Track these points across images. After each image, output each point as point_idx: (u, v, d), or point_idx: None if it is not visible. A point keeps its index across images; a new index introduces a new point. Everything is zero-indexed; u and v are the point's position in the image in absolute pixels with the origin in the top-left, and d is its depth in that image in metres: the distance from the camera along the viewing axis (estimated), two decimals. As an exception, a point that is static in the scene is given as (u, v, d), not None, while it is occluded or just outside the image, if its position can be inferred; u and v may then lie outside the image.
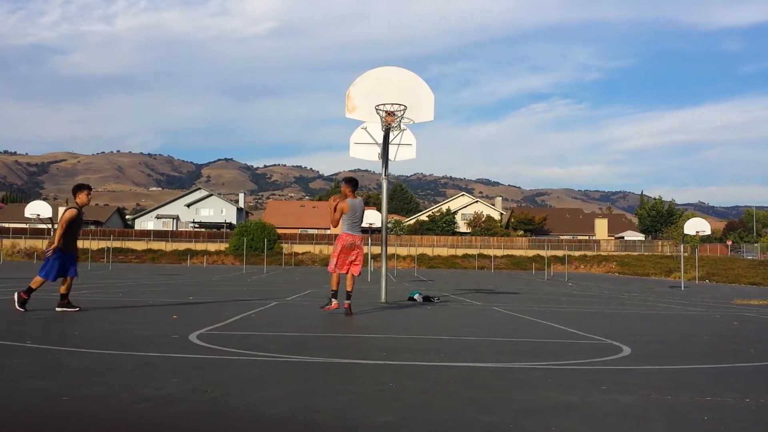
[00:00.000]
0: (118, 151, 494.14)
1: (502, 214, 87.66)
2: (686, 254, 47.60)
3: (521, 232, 78.34)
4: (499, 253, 64.81)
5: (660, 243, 68.97)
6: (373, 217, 24.74)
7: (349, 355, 5.28)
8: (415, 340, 6.50)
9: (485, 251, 64.91)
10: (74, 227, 8.73)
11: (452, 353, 5.60)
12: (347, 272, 9.13)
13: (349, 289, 9.08)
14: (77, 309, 8.59)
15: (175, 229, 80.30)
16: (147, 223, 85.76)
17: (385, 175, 12.58)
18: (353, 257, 9.13)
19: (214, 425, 2.98)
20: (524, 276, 38.22)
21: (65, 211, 8.81)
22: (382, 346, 5.90)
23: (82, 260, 48.66)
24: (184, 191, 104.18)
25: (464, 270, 53.89)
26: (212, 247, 64.45)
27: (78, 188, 9.00)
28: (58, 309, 8.51)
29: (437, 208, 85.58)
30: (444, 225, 77.43)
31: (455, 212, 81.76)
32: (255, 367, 4.57)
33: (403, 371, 4.67)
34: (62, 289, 8.66)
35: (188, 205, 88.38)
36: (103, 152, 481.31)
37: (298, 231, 73.23)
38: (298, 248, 64.50)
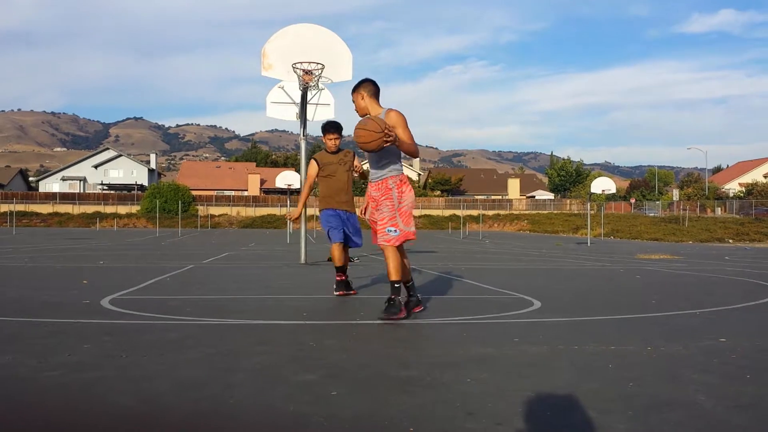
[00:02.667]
0: (19, 109, 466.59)
1: (419, 174, 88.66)
2: (593, 212, 49.68)
3: (438, 193, 79.59)
4: (416, 213, 65.61)
5: (568, 202, 71.63)
6: (292, 178, 24.53)
7: (268, 317, 5.27)
8: (334, 299, 6.54)
9: (403, 211, 65.53)
10: None
11: (371, 312, 5.68)
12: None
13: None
14: None
15: (82, 191, 77.01)
16: (52, 185, 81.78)
17: (303, 136, 12.44)
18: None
19: (130, 389, 2.92)
20: (441, 235, 38.95)
21: None
22: (302, 307, 5.91)
23: (-19, 225, 45.47)
24: (91, 152, 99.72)
25: (382, 230, 54.28)
26: (123, 209, 62.25)
27: None
28: None
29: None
30: (363, 186, 77.56)
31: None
32: (172, 330, 4.49)
33: (323, 331, 4.70)
34: None
35: (96, 167, 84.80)
36: (2, 111, 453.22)
37: (214, 193, 71.64)
38: (215, 210, 63.19)
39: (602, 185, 27.79)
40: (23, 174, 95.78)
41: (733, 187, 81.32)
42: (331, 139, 6.90)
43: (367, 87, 5.31)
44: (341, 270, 6.78)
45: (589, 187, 30.56)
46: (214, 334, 4.49)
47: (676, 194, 75.62)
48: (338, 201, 6.81)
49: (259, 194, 73.73)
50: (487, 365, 3.52)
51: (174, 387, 3.00)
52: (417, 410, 2.65)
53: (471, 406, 2.72)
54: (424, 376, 3.24)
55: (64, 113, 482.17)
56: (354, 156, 7.05)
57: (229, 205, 64.85)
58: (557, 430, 2.47)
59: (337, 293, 6.71)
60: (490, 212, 65.79)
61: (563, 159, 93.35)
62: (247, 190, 77.99)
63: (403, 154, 5.20)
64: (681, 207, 59.93)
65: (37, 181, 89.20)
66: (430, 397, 2.86)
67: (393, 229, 5.10)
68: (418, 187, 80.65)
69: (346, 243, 6.85)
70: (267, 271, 10.30)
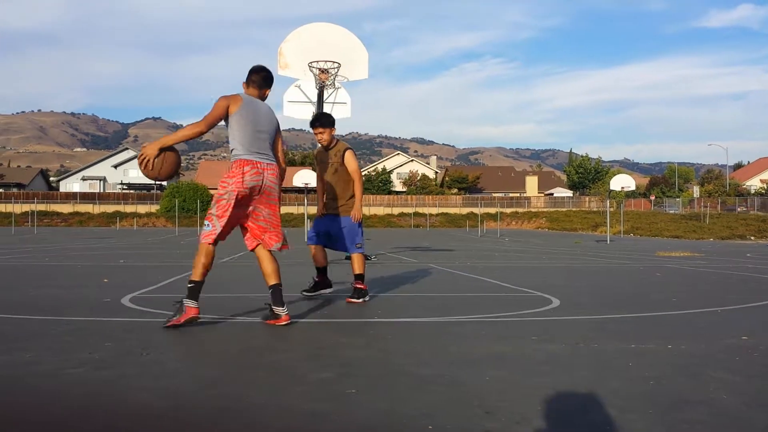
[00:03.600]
0: (40, 110, 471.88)
1: (436, 172, 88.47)
2: (612, 209, 49.31)
3: (455, 191, 79.40)
4: (434, 211, 65.55)
5: (587, 199, 71.15)
6: (309, 177, 24.61)
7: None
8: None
9: (421, 209, 65.51)
10: None
11: (388, 310, 5.68)
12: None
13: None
14: None
15: (102, 191, 77.77)
16: (72, 185, 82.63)
17: (319, 134, 12.45)
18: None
19: (150, 386, 2.95)
20: (458, 233, 38.87)
21: None
22: (320, 305, 5.92)
23: (4, 224, 46.45)
24: (111, 152, 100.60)
25: (400, 228, 54.34)
26: (142, 209, 62.76)
27: None
28: None
29: (373, 168, 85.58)
30: (380, 184, 77.62)
31: (391, 171, 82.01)
32: (191, 329, 4.52)
33: (341, 329, 4.71)
34: None
35: (115, 166, 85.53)
36: (23, 111, 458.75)
37: (232, 192, 71.94)
38: (232, 209, 63.45)
39: (621, 182, 27.56)
40: (44, 174, 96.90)
41: (754, 183, 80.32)
42: (317, 134, 6.15)
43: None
44: (319, 271, 6.38)
45: (608, 184, 30.34)
46: (233, 332, 4.52)
47: (696, 191, 74.83)
48: (328, 206, 6.23)
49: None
50: (506, 363, 3.51)
51: (193, 384, 3.02)
52: (435, 408, 2.64)
53: (489, 404, 2.71)
54: (441, 374, 3.23)
55: (83, 114, 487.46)
56: (345, 152, 6.20)
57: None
58: (577, 429, 2.45)
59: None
60: (508, 210, 65.53)
61: (582, 156, 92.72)
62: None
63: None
64: (701, 204, 59.28)
65: (58, 181, 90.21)
66: (447, 395, 2.86)
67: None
68: (436, 185, 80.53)
69: (329, 245, 6.35)
70: (284, 269, 10.32)
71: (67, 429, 2.44)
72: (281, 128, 5.09)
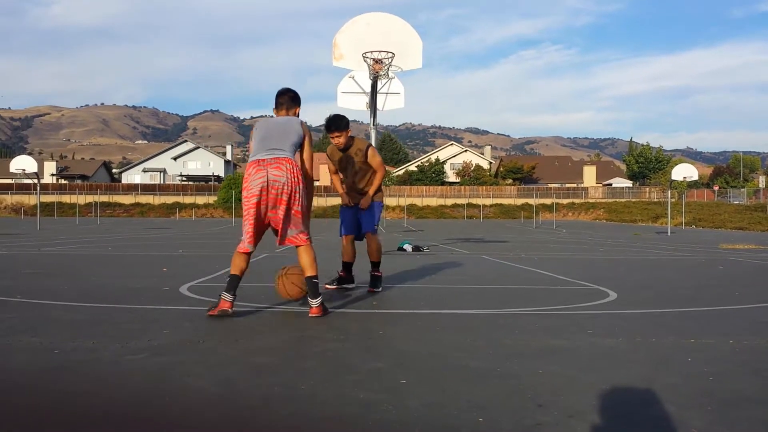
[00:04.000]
0: (102, 103, 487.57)
1: (491, 163, 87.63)
2: (673, 200, 47.95)
3: (510, 181, 78.48)
4: (488, 202, 64.98)
5: (648, 189, 69.34)
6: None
7: (339, 305, 5.33)
8: (406, 289, 6.56)
9: (474, 200, 65.06)
10: None
11: (441, 301, 5.66)
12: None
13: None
14: None
15: (162, 182, 79.80)
16: (134, 176, 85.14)
17: (373, 125, 12.49)
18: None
19: (206, 373, 3.02)
20: (513, 224, 38.46)
21: None
22: (371, 296, 5.95)
23: (69, 215, 48.03)
24: (171, 144, 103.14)
25: (453, 220, 54.12)
26: (201, 200, 64.19)
27: None
28: None
29: (426, 158, 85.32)
30: (433, 175, 77.35)
31: (444, 162, 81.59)
32: (246, 317, 4.61)
33: (394, 320, 4.72)
34: None
35: (175, 158, 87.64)
36: (86, 105, 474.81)
37: (287, 183, 72.83)
38: (287, 200, 64.22)
39: (683, 172, 26.77)
40: (107, 166, 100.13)
41: (826, 173, 76.91)
42: (334, 137, 6.04)
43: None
44: (344, 266, 6.38)
45: (670, 174, 29.50)
46: (287, 321, 4.58)
47: (762, 181, 72.09)
48: (354, 198, 6.26)
49: (330, 184, 74.50)
50: (560, 357, 3.45)
51: (248, 372, 3.08)
52: (486, 401, 2.62)
53: (542, 398, 2.67)
54: (494, 367, 3.20)
55: (144, 107, 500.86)
56: (367, 149, 6.20)
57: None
58: (633, 425, 2.40)
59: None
60: (564, 201, 64.45)
61: (642, 145, 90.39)
62: (318, 180, 79.08)
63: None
64: (768, 194, 57.09)
65: (120, 172, 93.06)
66: (500, 388, 2.83)
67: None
68: (490, 175, 79.78)
69: (357, 234, 6.38)
70: (337, 259, 10.40)
71: (125, 414, 2.52)
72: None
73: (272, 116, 5.09)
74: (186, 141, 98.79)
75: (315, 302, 4.69)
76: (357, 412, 2.49)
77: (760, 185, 68.98)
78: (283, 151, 4.74)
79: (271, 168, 4.65)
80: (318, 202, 62.70)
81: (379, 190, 6.30)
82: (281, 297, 5.25)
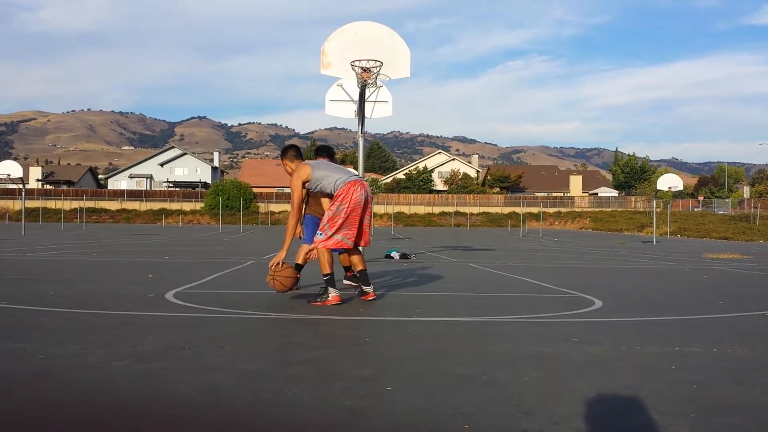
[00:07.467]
0: (89, 109, 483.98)
1: (478, 171, 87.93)
2: (659, 210, 48.27)
3: (497, 190, 78.79)
4: (475, 210, 65.18)
5: (633, 199, 69.83)
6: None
7: (326, 312, 5.32)
8: (392, 296, 6.56)
9: (462, 209, 65.22)
10: None
11: (428, 309, 5.67)
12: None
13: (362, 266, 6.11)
14: None
15: (148, 188, 79.35)
16: (120, 182, 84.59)
17: (361, 133, 12.50)
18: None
19: (191, 379, 3.00)
20: (500, 233, 38.57)
21: None
22: (359, 303, 5.95)
23: (54, 221, 47.59)
24: (158, 150, 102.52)
25: (441, 228, 54.19)
26: (187, 206, 63.92)
27: None
28: None
29: (414, 166, 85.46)
30: (421, 183, 77.49)
31: (432, 170, 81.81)
32: (232, 324, 4.60)
33: (380, 327, 4.72)
34: None
35: (162, 164, 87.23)
36: (73, 111, 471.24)
37: (275, 190, 72.75)
38: (275, 207, 64.20)
39: (669, 182, 26.96)
40: (93, 172, 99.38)
41: (808, 184, 77.65)
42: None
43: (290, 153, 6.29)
44: (345, 269, 7.27)
45: (655, 184, 29.69)
46: (273, 327, 4.57)
47: (746, 191, 72.80)
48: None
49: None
50: (546, 364, 3.47)
51: (233, 378, 3.07)
52: (472, 407, 2.63)
53: (527, 405, 2.68)
54: (480, 374, 3.21)
55: (131, 112, 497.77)
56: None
57: (289, 202, 65.62)
58: (616, 432, 2.41)
59: (345, 282, 7.14)
60: (551, 210, 64.76)
61: (628, 155, 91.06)
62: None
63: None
64: (752, 205, 57.63)
65: (106, 178, 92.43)
66: (485, 394, 2.84)
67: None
68: (477, 184, 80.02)
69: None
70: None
71: (108, 419, 2.51)
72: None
73: (294, 144, 6.61)
74: (173, 147, 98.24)
75: (369, 288, 5.91)
76: (344, 419, 2.49)
77: (745, 195, 69.63)
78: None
79: (366, 187, 5.93)
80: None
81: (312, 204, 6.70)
82: (277, 291, 5.94)
